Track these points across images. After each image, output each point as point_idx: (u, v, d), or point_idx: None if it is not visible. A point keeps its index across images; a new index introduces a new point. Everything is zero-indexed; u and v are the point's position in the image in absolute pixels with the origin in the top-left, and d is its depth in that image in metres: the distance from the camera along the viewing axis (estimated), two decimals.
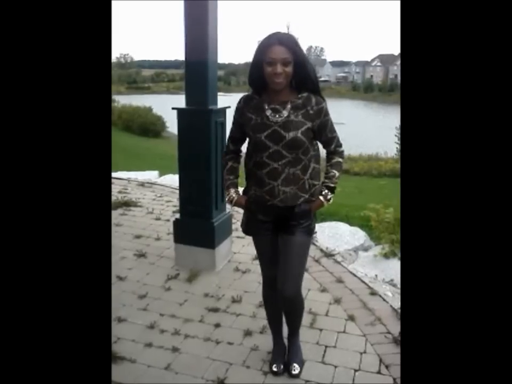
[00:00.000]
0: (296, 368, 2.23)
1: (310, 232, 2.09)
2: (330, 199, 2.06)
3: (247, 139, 2.06)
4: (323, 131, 1.99)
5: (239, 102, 2.03)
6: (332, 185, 2.06)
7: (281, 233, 2.08)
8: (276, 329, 2.35)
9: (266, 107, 1.94)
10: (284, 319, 2.31)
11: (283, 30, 1.93)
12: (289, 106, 1.92)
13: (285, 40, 1.82)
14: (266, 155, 1.94)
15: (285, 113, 1.91)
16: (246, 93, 2.05)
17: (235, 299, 2.93)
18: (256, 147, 1.96)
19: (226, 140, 2.20)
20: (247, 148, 2.06)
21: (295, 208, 2.00)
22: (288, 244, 2.05)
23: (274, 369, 2.24)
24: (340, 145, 2.11)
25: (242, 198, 2.10)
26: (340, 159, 2.11)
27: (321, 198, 2.04)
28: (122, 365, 2.29)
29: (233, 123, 2.10)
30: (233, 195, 2.10)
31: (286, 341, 2.35)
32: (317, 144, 2.05)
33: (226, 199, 2.13)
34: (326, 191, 2.05)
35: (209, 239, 3.33)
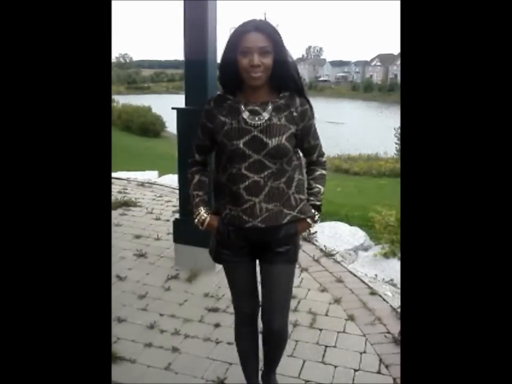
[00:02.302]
0: None
1: (295, 258, 1.81)
2: (317, 220, 1.78)
3: (216, 148, 1.73)
4: (306, 137, 1.71)
5: (208, 103, 1.70)
6: (318, 203, 1.77)
7: (262, 263, 1.82)
8: (251, 370, 2.02)
9: (243, 108, 1.62)
10: (260, 356, 2.03)
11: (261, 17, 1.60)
12: (270, 107, 1.62)
13: (263, 27, 1.52)
14: (245, 166, 1.62)
15: (266, 115, 1.61)
16: (218, 93, 1.73)
17: None
18: (232, 157, 1.63)
19: (192, 149, 1.85)
20: (217, 159, 1.74)
21: (280, 230, 1.70)
22: (272, 275, 1.79)
23: None
24: (323, 155, 1.82)
25: (214, 219, 1.75)
26: (324, 171, 1.82)
27: (308, 220, 1.75)
28: (122, 365, 2.29)
29: (201, 128, 1.77)
30: (204, 215, 1.74)
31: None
32: (298, 152, 1.76)
33: (196, 220, 1.76)
34: (313, 211, 1.76)
35: (209, 239, 3.31)
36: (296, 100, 1.65)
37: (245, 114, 1.62)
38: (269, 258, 1.77)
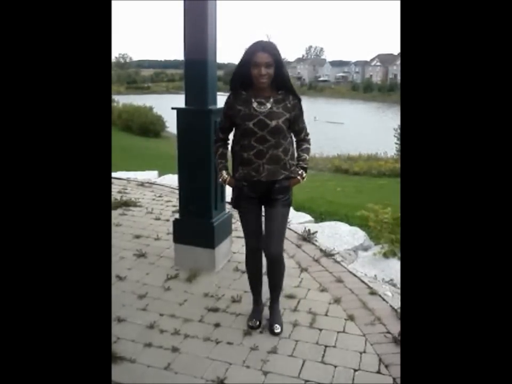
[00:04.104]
0: (277, 328, 2.57)
1: (289, 204, 2.52)
2: (304, 177, 2.51)
3: (234, 128, 2.45)
4: (296, 122, 2.44)
5: (229, 97, 2.44)
6: (305, 165, 2.51)
7: (266, 207, 2.51)
8: (256, 289, 2.72)
9: (253, 100, 2.35)
10: (264, 287, 2.71)
11: (265, 38, 2.43)
12: (271, 100, 2.36)
13: (268, 47, 2.25)
14: (254, 139, 2.34)
15: (268, 105, 2.34)
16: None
17: (235, 299, 2.93)
18: (245, 133, 2.35)
19: (215, 130, 2.61)
20: (234, 135, 2.47)
21: (276, 183, 2.41)
22: (272, 214, 2.48)
23: (250, 324, 2.60)
24: (308, 134, 2.56)
25: (232, 179, 2.50)
26: (309, 145, 2.56)
27: (298, 177, 2.47)
28: (122, 365, 2.29)
29: (223, 115, 2.49)
30: (226, 176, 2.51)
31: (266, 308, 2.74)
32: (290, 132, 2.48)
33: (220, 179, 2.53)
34: (301, 171, 2.49)
35: (208, 239, 3.32)
36: (289, 96, 2.39)
37: (254, 104, 2.35)
38: (270, 203, 2.48)
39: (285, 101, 2.36)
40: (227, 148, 2.57)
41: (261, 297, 2.75)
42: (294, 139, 2.54)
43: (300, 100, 2.43)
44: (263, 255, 2.61)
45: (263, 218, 2.57)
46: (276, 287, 2.66)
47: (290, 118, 2.38)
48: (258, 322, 2.61)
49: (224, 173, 2.51)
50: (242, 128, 2.35)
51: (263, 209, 2.57)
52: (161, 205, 5.01)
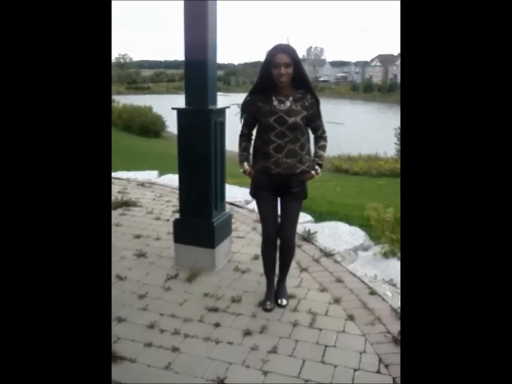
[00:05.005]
0: (283, 301, 2.85)
1: (303, 196, 2.74)
2: (319, 173, 2.73)
3: (257, 124, 2.66)
4: (314, 120, 2.66)
5: (250, 96, 2.68)
6: (321, 162, 2.73)
7: (282, 198, 2.74)
8: (270, 276, 2.91)
9: (274, 99, 2.58)
10: (276, 269, 2.94)
11: (284, 41, 2.61)
12: (291, 98, 2.58)
13: (287, 50, 2.48)
14: (273, 134, 2.57)
15: (288, 103, 2.57)
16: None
17: (235, 299, 2.93)
18: (265, 128, 2.59)
19: (241, 126, 2.79)
20: (257, 130, 2.70)
21: (293, 177, 2.62)
22: (287, 205, 2.73)
23: (267, 306, 2.78)
24: (325, 132, 2.75)
25: (252, 169, 2.73)
26: (326, 143, 2.76)
27: (313, 172, 2.69)
28: (122, 364, 2.29)
29: (246, 112, 2.71)
30: (246, 167, 2.75)
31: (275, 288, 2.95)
32: (308, 129, 2.69)
33: (241, 170, 2.76)
34: (317, 167, 2.71)
35: (209, 239, 3.32)
36: (308, 95, 2.61)
37: (275, 102, 2.58)
38: (286, 196, 2.72)
39: (303, 99, 2.58)
40: (250, 142, 2.77)
41: (273, 281, 2.92)
42: (312, 136, 2.73)
43: (318, 100, 2.63)
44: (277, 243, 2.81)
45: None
46: (285, 267, 2.90)
47: (307, 116, 2.59)
48: (273, 305, 2.79)
49: (245, 164, 2.74)
50: (263, 124, 2.59)
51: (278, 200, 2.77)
52: (161, 205, 5.01)
